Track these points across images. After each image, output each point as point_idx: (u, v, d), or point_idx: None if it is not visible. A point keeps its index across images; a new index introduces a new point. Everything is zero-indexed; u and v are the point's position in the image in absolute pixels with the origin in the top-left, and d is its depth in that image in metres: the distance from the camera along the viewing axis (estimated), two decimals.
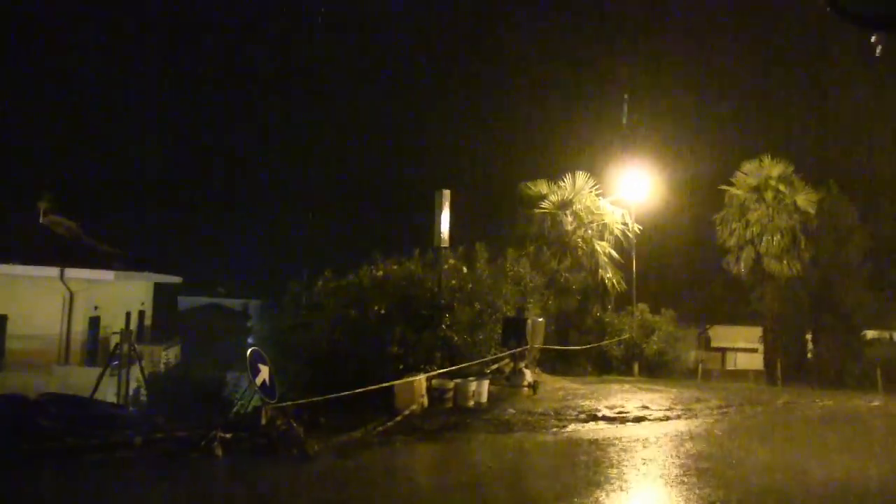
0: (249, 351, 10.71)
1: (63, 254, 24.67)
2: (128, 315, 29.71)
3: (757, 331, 33.91)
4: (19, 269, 23.07)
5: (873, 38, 2.72)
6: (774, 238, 30.59)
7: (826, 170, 34.04)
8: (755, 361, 34.76)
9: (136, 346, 21.39)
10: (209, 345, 37.58)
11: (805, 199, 30.60)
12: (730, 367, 39.57)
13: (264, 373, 10.63)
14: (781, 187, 30.83)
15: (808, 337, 33.12)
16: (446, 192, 16.66)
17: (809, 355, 32.63)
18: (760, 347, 33.41)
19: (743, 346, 39.49)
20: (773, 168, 31.05)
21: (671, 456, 10.33)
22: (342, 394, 11.86)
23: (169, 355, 30.05)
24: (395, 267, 16.66)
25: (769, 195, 30.84)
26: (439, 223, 16.39)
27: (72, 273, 23.52)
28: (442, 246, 16.47)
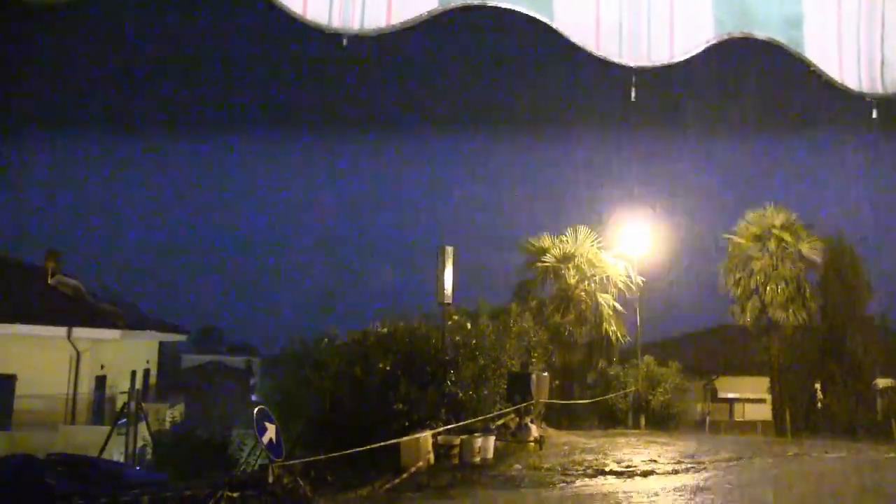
0: (256, 410, 10.77)
1: (70, 313, 24.79)
2: (133, 373, 29.70)
3: (764, 381, 33.58)
4: (28, 329, 23.22)
5: None
6: (779, 287, 30.46)
7: (830, 218, 34.06)
8: (763, 412, 34.40)
9: (142, 404, 21.39)
10: (213, 402, 37.56)
11: (809, 248, 30.56)
12: (738, 417, 39.17)
13: (271, 431, 10.66)
14: (785, 236, 30.82)
15: (817, 386, 32.72)
16: (449, 249, 16.78)
17: (819, 405, 32.20)
18: (768, 398, 33.11)
19: (750, 396, 39.09)
20: (776, 217, 31.11)
21: None
22: (348, 451, 11.86)
23: (174, 413, 29.97)
24: (399, 324, 16.73)
25: (773, 244, 30.82)
26: (443, 279, 16.49)
27: (78, 332, 23.61)
28: (445, 302, 16.54)
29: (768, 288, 30.58)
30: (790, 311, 30.42)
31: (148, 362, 32.79)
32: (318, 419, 14.70)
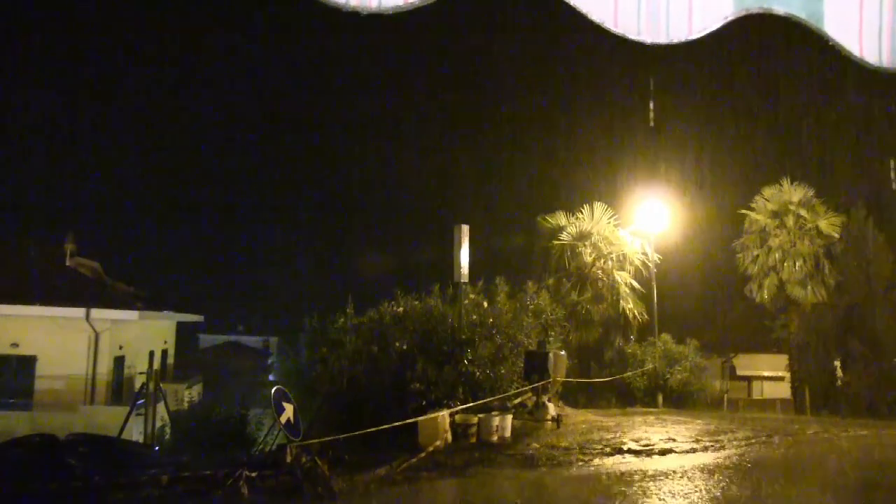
0: (274, 389, 10.81)
1: (88, 294, 24.97)
2: (151, 354, 29.92)
3: (783, 359, 33.48)
4: (47, 310, 23.40)
5: None
6: (797, 264, 30.23)
7: (851, 194, 33.55)
8: (782, 390, 34.34)
9: (160, 384, 21.56)
10: (231, 382, 37.81)
11: (828, 224, 30.27)
12: (756, 396, 39.15)
13: (289, 411, 10.70)
14: (803, 212, 30.55)
15: (837, 364, 32.52)
16: (465, 227, 16.72)
17: (839, 383, 32.02)
18: (787, 376, 32.99)
19: (769, 374, 39.05)
20: (794, 193, 30.81)
21: (700, 490, 10.23)
22: (366, 431, 11.90)
23: (192, 393, 30.24)
24: (415, 303, 16.71)
25: (790, 220, 30.55)
26: (459, 258, 16.45)
27: (97, 313, 23.77)
28: (462, 281, 16.50)
29: (786, 265, 30.36)
30: (809, 287, 30.20)
31: (166, 342, 33.03)
32: (334, 398, 14.74)
